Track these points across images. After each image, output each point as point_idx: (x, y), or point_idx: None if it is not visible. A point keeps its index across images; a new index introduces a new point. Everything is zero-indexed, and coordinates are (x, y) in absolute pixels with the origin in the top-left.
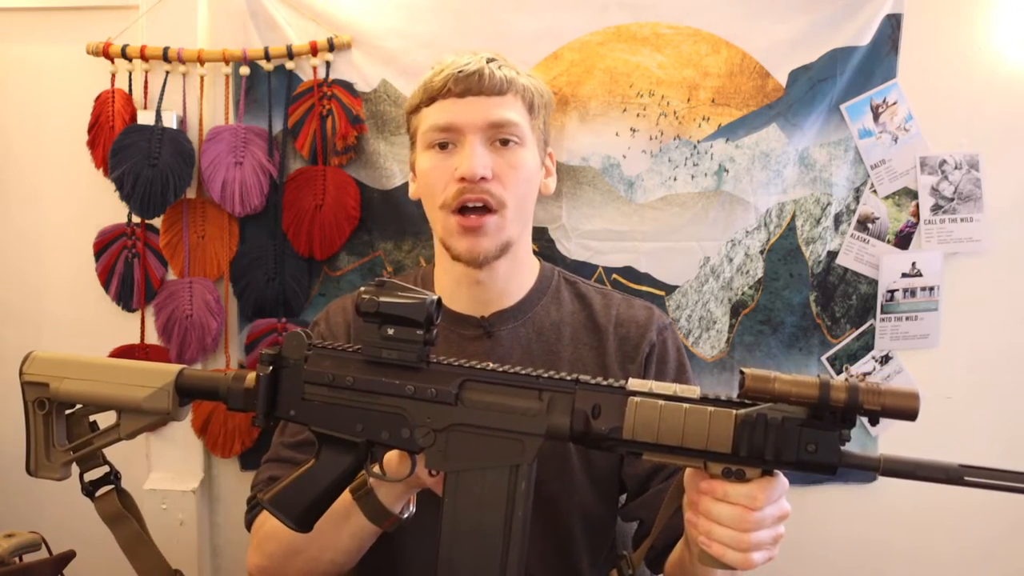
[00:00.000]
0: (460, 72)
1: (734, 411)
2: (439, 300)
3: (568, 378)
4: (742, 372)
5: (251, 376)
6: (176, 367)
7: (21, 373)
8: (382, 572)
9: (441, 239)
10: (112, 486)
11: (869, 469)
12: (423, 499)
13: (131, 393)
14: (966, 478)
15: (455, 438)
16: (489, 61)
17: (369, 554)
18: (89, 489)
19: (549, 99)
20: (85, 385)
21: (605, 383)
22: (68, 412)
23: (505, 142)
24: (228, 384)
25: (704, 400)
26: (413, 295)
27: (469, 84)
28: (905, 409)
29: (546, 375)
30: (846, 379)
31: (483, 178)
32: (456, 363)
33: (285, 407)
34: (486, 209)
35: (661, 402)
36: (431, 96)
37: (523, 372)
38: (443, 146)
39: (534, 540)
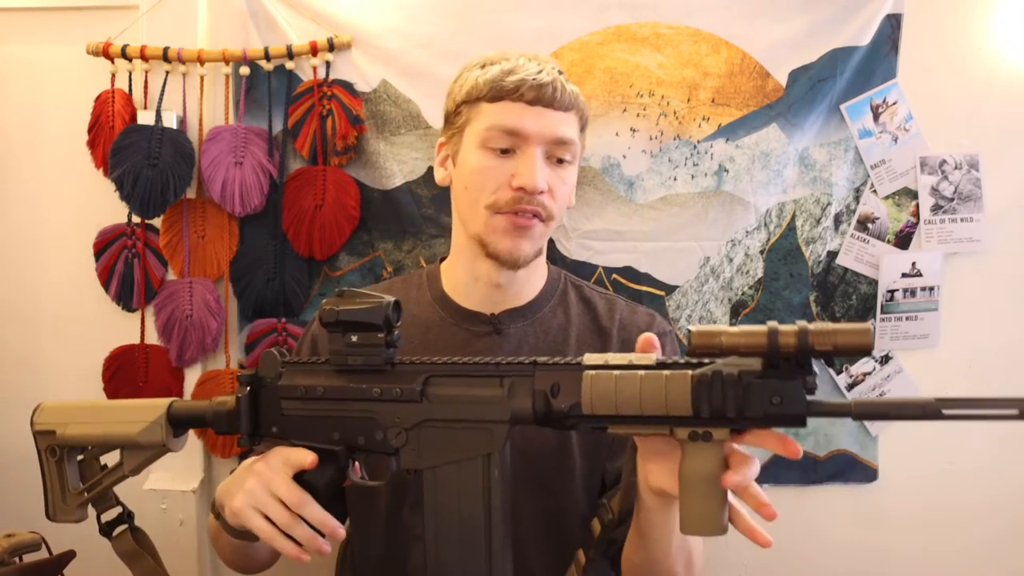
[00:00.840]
0: (534, 80)
1: (690, 372)
2: (397, 302)
3: (527, 361)
4: (689, 330)
5: (232, 399)
6: (167, 400)
7: (32, 424)
8: (370, 566)
9: (478, 235)
10: (126, 525)
11: (841, 415)
12: (399, 494)
13: (127, 429)
14: (944, 411)
15: (426, 434)
16: (560, 73)
17: (371, 560)
18: (106, 530)
19: (589, 115)
20: (86, 427)
21: (563, 361)
22: (80, 458)
23: (560, 159)
24: (213, 409)
25: (660, 365)
26: (371, 300)
27: (542, 94)
28: (858, 345)
29: (505, 361)
30: (796, 324)
31: (541, 191)
32: (420, 361)
33: (267, 425)
34: (535, 217)
35: (616, 372)
36: (498, 95)
37: (483, 361)
38: (504, 151)
39: (534, 537)
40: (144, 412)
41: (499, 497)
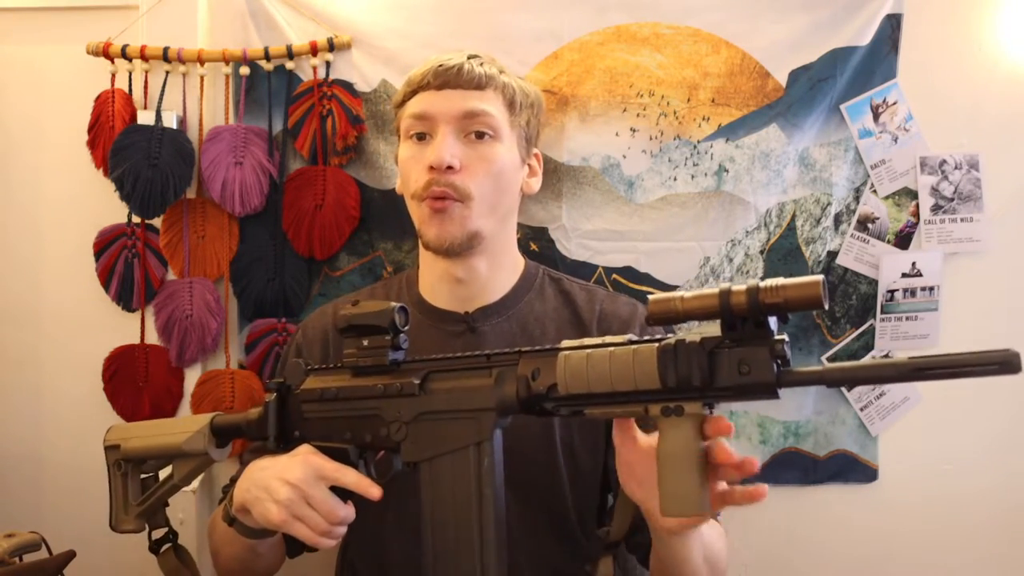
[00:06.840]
0: (440, 66)
1: (656, 344)
2: (403, 307)
3: (513, 351)
4: (647, 298)
5: (261, 408)
6: (212, 414)
7: (104, 440)
8: (368, 565)
9: (417, 228)
10: (170, 544)
11: (813, 383)
12: (402, 492)
13: (174, 440)
14: (921, 372)
15: (422, 427)
16: (471, 58)
17: (351, 548)
18: (154, 547)
19: (536, 100)
20: (142, 441)
21: (547, 348)
22: (143, 476)
23: (480, 135)
24: (247, 419)
25: (631, 342)
26: (380, 307)
27: (447, 77)
28: (807, 298)
29: (495, 352)
30: (747, 283)
31: (450, 167)
32: (423, 359)
33: (291, 429)
34: (446, 199)
35: (588, 351)
36: (413, 89)
37: (476, 354)
38: (420, 137)
39: (520, 540)
40: (190, 424)
41: (491, 486)
